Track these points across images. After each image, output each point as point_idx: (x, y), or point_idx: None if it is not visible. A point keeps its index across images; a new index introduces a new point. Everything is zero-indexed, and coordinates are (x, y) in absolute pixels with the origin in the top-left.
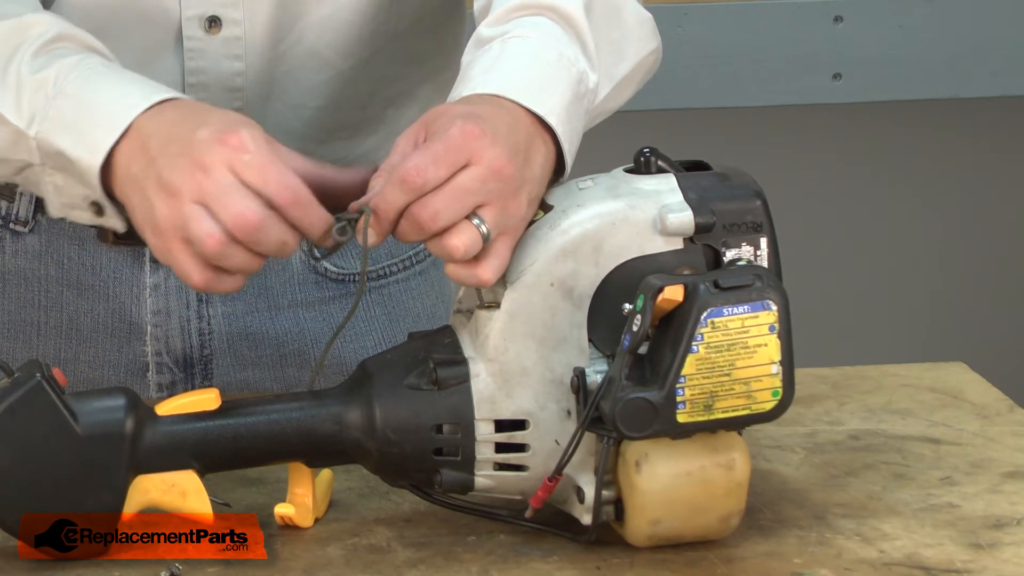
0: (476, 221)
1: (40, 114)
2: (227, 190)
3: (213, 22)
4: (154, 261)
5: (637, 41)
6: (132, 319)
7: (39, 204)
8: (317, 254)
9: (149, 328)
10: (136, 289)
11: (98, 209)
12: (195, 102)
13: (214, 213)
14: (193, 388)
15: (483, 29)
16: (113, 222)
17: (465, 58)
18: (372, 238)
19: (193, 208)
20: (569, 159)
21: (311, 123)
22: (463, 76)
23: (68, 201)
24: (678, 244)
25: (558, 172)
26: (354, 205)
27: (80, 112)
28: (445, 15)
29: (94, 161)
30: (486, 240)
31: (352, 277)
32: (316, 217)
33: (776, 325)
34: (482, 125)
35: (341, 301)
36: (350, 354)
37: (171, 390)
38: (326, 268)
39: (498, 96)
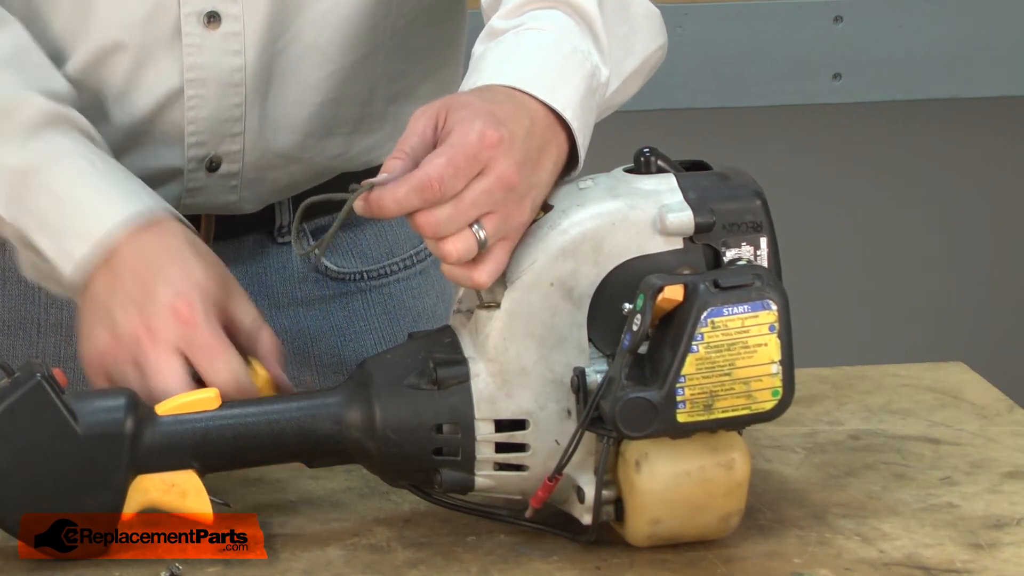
0: (475, 228)
1: (18, 205)
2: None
3: (212, 18)
4: None
5: (645, 36)
6: None
7: None
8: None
9: None
10: None
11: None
12: (167, 228)
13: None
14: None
15: (496, 21)
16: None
17: (477, 49)
18: (362, 209)
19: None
20: (582, 153)
21: (312, 119)
22: (476, 67)
23: (45, 277)
24: (678, 244)
25: (569, 166)
26: (367, 182)
27: (59, 216)
28: (444, 11)
29: (70, 273)
30: (483, 246)
31: (352, 276)
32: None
33: (776, 325)
34: (501, 131)
35: (341, 300)
36: (350, 353)
37: None
38: (326, 267)
39: (514, 89)
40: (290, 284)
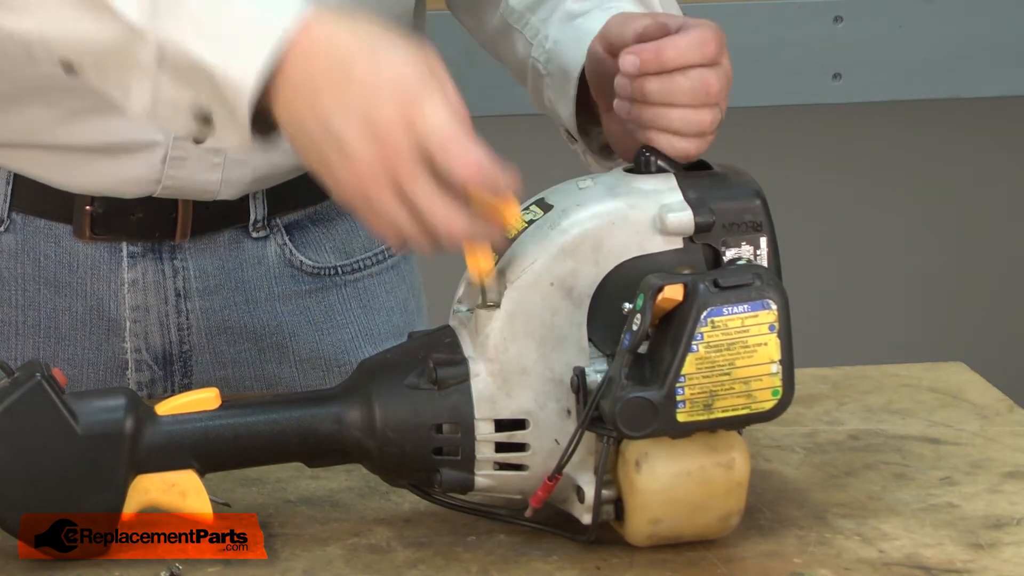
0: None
1: (166, 9)
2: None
3: None
4: (131, 256)
5: None
6: (111, 316)
7: (14, 201)
8: None
9: (128, 324)
10: (114, 285)
11: (206, 120)
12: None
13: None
14: (172, 387)
15: (571, 4)
16: (227, 136)
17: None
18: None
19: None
20: None
21: None
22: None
23: (169, 110)
24: (678, 243)
25: None
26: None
27: (221, 14)
28: (396, 6)
29: (248, 80)
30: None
31: (327, 271)
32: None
33: (776, 324)
34: None
35: (317, 295)
36: (327, 347)
37: (150, 388)
38: (301, 262)
39: None
40: (266, 279)
